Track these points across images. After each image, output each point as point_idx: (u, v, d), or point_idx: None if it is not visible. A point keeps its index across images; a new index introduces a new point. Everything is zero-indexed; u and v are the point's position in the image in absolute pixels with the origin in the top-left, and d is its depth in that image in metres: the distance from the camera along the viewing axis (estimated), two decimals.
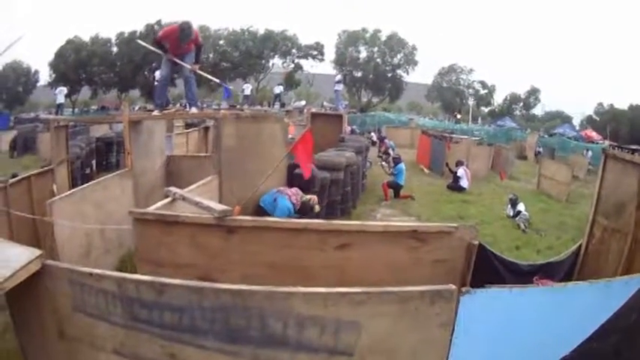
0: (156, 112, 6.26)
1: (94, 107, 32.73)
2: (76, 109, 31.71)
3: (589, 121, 39.13)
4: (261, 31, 35.97)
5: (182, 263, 2.88)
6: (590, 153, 20.39)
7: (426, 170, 13.76)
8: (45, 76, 33.43)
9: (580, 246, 4.29)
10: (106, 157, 11.79)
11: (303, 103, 26.16)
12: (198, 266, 2.87)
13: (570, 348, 2.20)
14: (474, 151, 13.56)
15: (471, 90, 40.05)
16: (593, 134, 31.27)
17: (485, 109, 41.19)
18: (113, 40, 33.49)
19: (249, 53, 35.29)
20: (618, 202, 3.88)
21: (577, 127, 37.73)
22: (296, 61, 36.94)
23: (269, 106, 22.69)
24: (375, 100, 38.95)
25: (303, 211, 5.33)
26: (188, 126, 13.19)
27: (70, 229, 4.19)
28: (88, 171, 10.06)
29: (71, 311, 2.12)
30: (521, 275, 3.75)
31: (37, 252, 2.12)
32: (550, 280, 3.80)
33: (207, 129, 11.68)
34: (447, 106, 39.54)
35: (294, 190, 5.56)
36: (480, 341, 2.07)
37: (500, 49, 69.44)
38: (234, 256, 2.87)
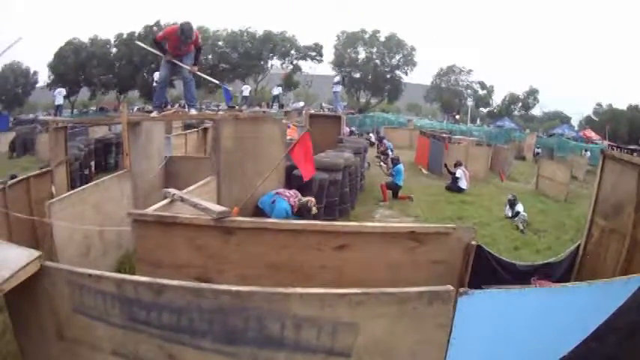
0: (155, 114, 6.26)
1: (92, 108, 32.79)
2: (75, 110, 31.63)
3: (588, 122, 39.11)
4: (260, 32, 35.96)
5: (181, 264, 2.89)
6: (588, 153, 20.47)
7: (424, 171, 13.78)
8: (44, 77, 33.43)
9: (578, 246, 4.28)
10: (104, 158, 11.81)
11: (302, 104, 26.13)
12: (197, 267, 2.88)
13: (568, 348, 2.20)
14: (472, 151, 13.54)
15: (469, 91, 39.98)
16: (592, 134, 31.38)
17: (484, 110, 41.14)
18: (112, 42, 33.44)
19: (247, 54, 35.27)
20: (617, 202, 3.88)
21: (576, 128, 37.81)
22: (295, 62, 36.96)
23: (268, 107, 22.66)
24: (373, 100, 38.89)
25: (301, 212, 5.34)
26: (187, 127, 13.15)
27: (69, 231, 4.18)
28: (86, 172, 10.03)
29: (70, 312, 2.12)
30: (520, 276, 3.74)
31: (35, 253, 2.11)
32: (548, 280, 3.80)
33: (205, 130, 11.67)
34: (446, 107, 39.53)
35: (293, 191, 5.56)
36: (478, 342, 2.08)
37: (499, 49, 69.83)
38: (232, 256, 2.88)
